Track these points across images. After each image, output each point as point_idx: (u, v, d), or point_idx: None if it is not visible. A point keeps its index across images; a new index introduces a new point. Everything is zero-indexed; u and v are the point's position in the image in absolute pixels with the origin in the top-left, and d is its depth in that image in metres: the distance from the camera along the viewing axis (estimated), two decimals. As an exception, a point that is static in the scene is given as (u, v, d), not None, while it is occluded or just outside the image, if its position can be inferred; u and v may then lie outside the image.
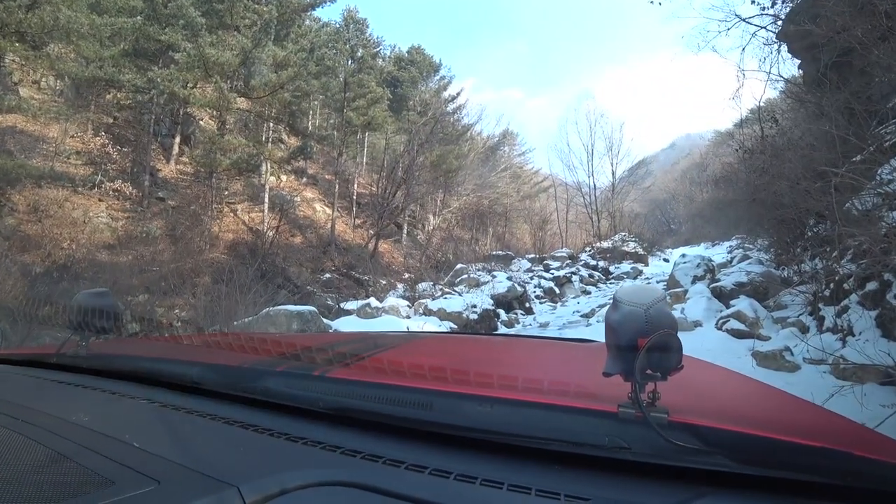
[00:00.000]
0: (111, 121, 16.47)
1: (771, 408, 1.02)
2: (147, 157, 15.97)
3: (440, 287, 11.09)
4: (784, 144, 8.70)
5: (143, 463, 0.65)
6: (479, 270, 12.79)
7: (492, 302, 9.16)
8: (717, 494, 0.61)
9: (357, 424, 0.80)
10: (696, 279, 9.27)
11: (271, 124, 17.45)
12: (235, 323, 6.69)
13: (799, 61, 12.68)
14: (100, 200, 14.49)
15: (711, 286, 7.80)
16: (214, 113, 15.66)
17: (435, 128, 20.59)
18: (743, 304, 6.26)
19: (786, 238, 8.52)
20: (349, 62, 22.09)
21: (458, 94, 27.36)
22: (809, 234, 7.33)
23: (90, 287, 1.92)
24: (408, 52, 27.59)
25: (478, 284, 10.45)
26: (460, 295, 9.43)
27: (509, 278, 10.89)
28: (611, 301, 0.74)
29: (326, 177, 24.03)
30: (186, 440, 0.81)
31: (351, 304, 9.83)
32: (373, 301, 8.51)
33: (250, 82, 14.35)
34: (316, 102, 22.55)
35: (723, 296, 7.22)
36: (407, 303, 8.77)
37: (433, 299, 8.82)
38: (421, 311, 8.13)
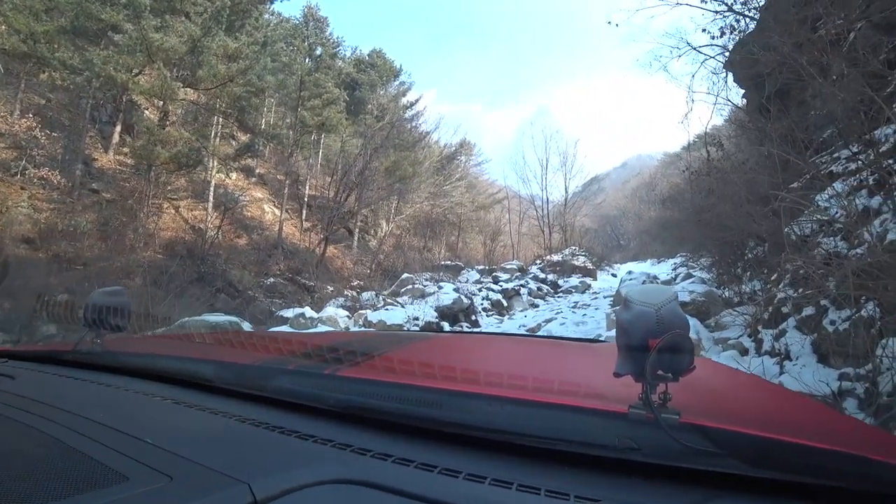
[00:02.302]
0: (43, 102, 15.22)
1: (784, 410, 1.00)
2: (81, 145, 14.84)
3: (384, 297, 10.71)
4: (728, 168, 8.97)
5: (157, 459, 0.66)
6: (427, 280, 12.54)
7: (436, 314, 8.91)
8: (728, 497, 0.60)
9: (367, 423, 0.80)
10: (640, 296, 9.22)
11: (220, 119, 16.65)
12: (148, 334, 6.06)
13: (743, 90, 13.27)
14: (22, 188, 13.30)
15: None
16: (159, 102, 14.79)
17: (391, 133, 20.25)
18: (685, 324, 6.18)
19: (727, 259, 8.73)
20: (306, 60, 21.51)
21: (417, 100, 27.23)
22: (750, 255, 7.50)
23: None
24: (368, 55, 27.21)
25: (423, 295, 10.17)
26: (403, 307, 9.11)
27: (456, 290, 10.65)
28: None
29: (278, 177, 23.23)
30: (199, 437, 0.81)
31: (289, 312, 9.35)
32: (308, 311, 8.07)
33: (197, 73, 13.59)
34: (272, 100, 21.85)
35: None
36: (347, 313, 8.38)
37: (374, 310, 8.47)
38: (361, 322, 7.76)
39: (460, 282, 13.81)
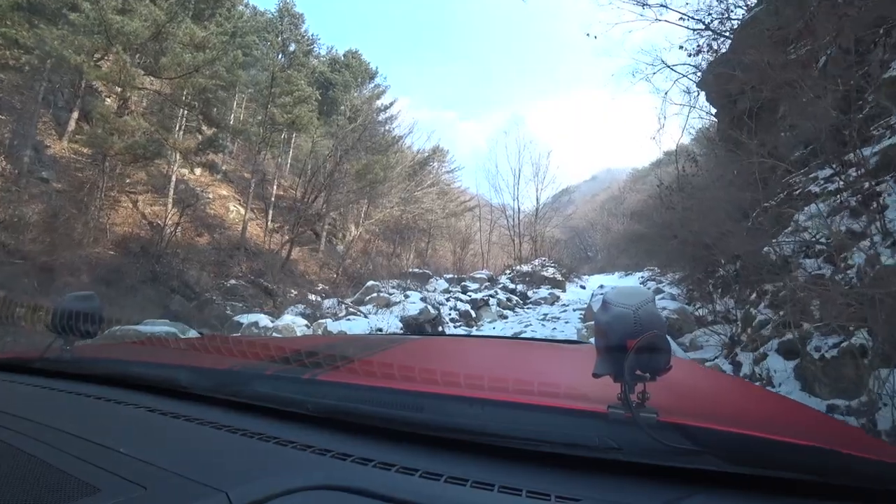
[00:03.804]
0: (-9, 82, 14.17)
1: (759, 407, 1.03)
2: (31, 129, 13.91)
3: (346, 305, 10.20)
4: (702, 184, 8.93)
5: (130, 469, 0.65)
6: (393, 288, 12.10)
7: (400, 325, 8.49)
8: (706, 494, 0.61)
9: (347, 427, 0.79)
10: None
11: (185, 112, 15.82)
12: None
13: (715, 110, 13.44)
14: (-40, 173, 12.39)
15: None
16: (119, 90, 13.91)
17: (363, 134, 19.79)
18: (659, 342, 5.99)
19: (698, 275, 8.65)
20: (279, 56, 20.90)
21: (392, 103, 26.86)
22: (722, 272, 7.42)
23: None
24: (344, 55, 26.71)
25: (388, 304, 9.71)
26: (366, 316, 8.65)
27: (423, 299, 10.25)
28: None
29: (245, 175, 22.48)
30: (174, 445, 0.79)
31: (245, 318, 8.81)
32: (262, 319, 7.56)
33: (161, 60, 12.88)
34: (243, 95, 21.12)
35: None
36: (305, 322, 7.87)
37: (335, 319, 7.99)
38: (320, 332, 7.28)
39: (428, 290, 13.36)
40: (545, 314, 12.67)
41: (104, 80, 11.57)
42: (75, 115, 14.66)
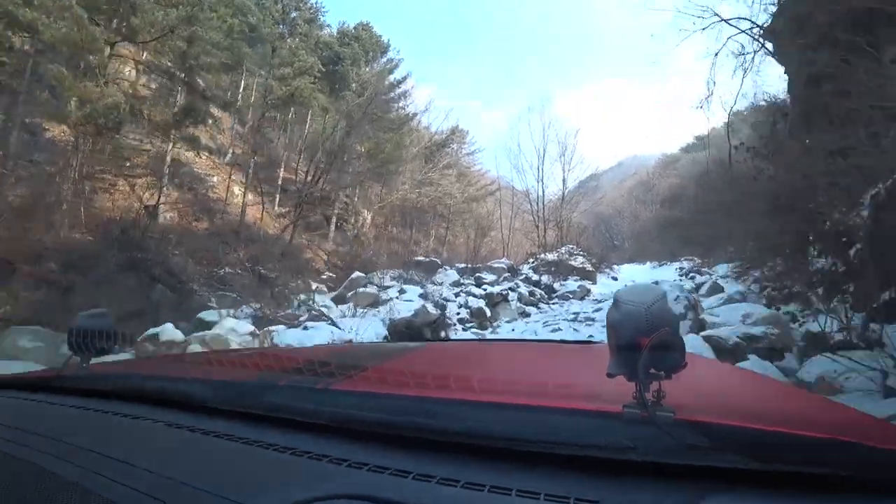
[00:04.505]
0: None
1: (777, 401, 1.02)
2: (16, 109, 12.73)
3: (308, 305, 8.18)
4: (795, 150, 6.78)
5: (148, 483, 0.66)
6: (393, 279, 10.24)
7: (386, 333, 6.57)
8: (726, 492, 0.60)
9: (362, 436, 0.78)
10: (673, 318, 6.64)
11: (182, 87, 14.24)
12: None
13: (784, 67, 11.17)
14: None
15: (703, 334, 5.41)
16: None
17: (369, 108, 17.94)
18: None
19: (779, 266, 6.63)
20: (279, 26, 19.17)
21: (405, 78, 24.91)
22: (823, 264, 5.43)
23: None
24: (354, 27, 24.83)
25: (376, 303, 7.84)
26: (333, 322, 6.69)
27: (423, 295, 8.33)
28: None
29: (257, 159, 21.28)
30: (191, 459, 0.80)
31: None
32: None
33: (131, 21, 11.27)
34: (253, 77, 19.62)
35: (721, 352, 4.84)
36: (252, 329, 6.02)
37: (290, 327, 6.09)
38: (266, 344, 5.44)
39: (435, 283, 11.34)
40: (576, 313, 10.50)
41: (62, 42, 9.97)
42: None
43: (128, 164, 15.82)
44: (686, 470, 0.61)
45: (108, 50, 12.06)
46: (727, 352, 4.74)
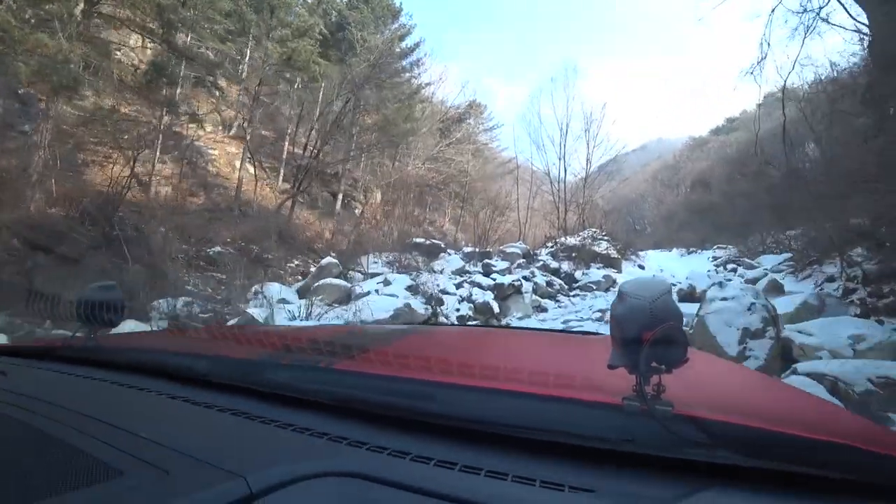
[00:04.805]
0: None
1: (776, 401, 1.02)
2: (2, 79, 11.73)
3: (270, 301, 6.59)
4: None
5: (152, 453, 0.66)
6: (386, 265, 8.75)
7: None
8: (720, 487, 0.60)
9: (362, 416, 0.79)
10: (746, 335, 4.69)
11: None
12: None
13: (867, 15, 9.25)
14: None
15: (802, 369, 3.69)
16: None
17: (374, 73, 16.31)
18: None
19: (873, 261, 5.03)
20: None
21: (417, 45, 23.11)
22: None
23: None
24: (364, -10, 23.01)
25: (349, 297, 6.34)
26: (292, 324, 5.22)
27: (412, 287, 6.74)
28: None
29: (264, 133, 20.01)
30: (194, 431, 0.80)
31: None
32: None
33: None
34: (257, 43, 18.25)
35: (834, 393, 3.26)
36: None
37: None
38: None
39: (434, 271, 9.62)
40: (601, 310, 8.89)
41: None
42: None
43: (125, 137, 14.79)
44: (681, 464, 0.61)
45: (80, 4, 10.72)
46: (857, 406, 3.05)
